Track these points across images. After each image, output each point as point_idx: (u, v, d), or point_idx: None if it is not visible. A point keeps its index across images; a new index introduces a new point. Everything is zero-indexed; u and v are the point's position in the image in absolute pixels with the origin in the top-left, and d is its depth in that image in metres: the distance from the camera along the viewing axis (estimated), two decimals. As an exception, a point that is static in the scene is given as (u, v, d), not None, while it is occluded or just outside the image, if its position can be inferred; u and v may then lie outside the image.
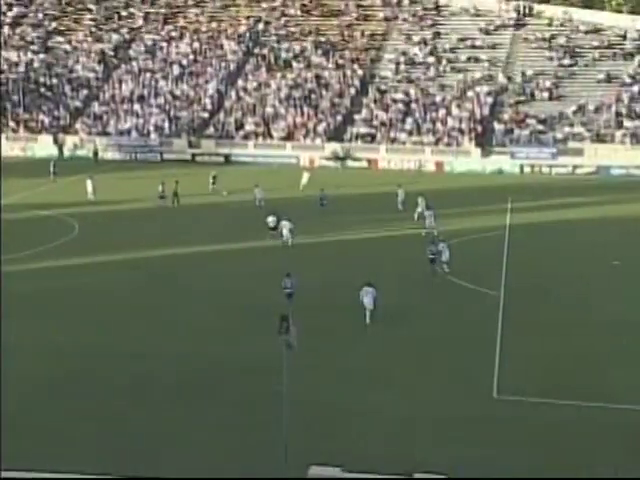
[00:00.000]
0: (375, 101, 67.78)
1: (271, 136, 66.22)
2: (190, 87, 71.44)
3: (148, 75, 72.79)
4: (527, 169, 60.28)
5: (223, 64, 73.18)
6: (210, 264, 35.43)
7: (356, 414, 21.85)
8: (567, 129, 62.41)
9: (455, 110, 65.29)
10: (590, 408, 22.09)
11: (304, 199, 47.47)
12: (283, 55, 73.50)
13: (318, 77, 70.43)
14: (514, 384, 23.55)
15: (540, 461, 19.59)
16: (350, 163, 62.88)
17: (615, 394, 22.87)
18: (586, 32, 70.79)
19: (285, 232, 37.93)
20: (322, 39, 74.62)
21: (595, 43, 69.47)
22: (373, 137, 64.89)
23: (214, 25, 78.19)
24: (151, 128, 67.95)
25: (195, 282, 32.88)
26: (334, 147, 63.79)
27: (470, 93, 66.74)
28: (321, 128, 65.86)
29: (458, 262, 35.02)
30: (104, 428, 20.72)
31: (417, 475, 16.99)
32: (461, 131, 63.57)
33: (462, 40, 72.23)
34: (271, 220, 39.10)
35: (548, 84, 66.50)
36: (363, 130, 65.26)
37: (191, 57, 74.41)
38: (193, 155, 65.36)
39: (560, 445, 20.35)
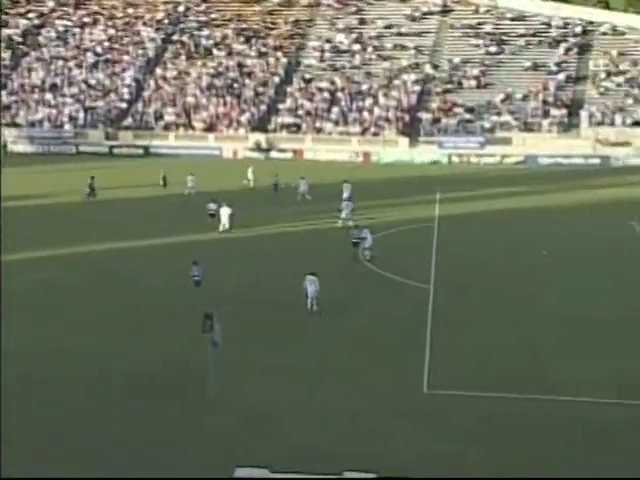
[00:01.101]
0: (300, 90, 67.58)
1: (192, 127, 65.39)
2: (106, 76, 69.99)
3: (60, 63, 71.02)
4: (455, 159, 60.97)
5: (140, 52, 71.91)
6: (145, 258, 34.98)
7: (286, 411, 21.67)
8: (495, 118, 63.35)
9: (382, 99, 65.57)
10: (522, 400, 22.33)
11: (238, 190, 47.14)
12: (204, 42, 72.65)
13: (241, 65, 69.84)
14: (445, 378, 23.65)
15: (472, 455, 19.69)
16: (275, 154, 62.53)
17: (548, 385, 23.17)
18: (512, 19, 71.95)
19: (224, 219, 38.40)
20: (244, 26, 74.03)
21: (521, 31, 70.67)
22: (298, 127, 64.70)
23: (130, 10, 76.75)
24: (65, 119, 66.34)
25: (127, 276, 32.42)
26: (258, 138, 63.34)
27: (397, 82, 67.12)
28: (244, 118, 65.33)
29: (387, 255, 35.17)
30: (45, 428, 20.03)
31: (347, 474, 16.86)
32: (388, 120, 63.88)
33: (388, 27, 72.59)
34: (212, 207, 39.77)
35: (475, 72, 67.38)
36: (288, 120, 64.99)
37: (106, 44, 72.90)
38: (110, 147, 64.10)
39: (492, 438, 20.51)
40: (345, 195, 43.23)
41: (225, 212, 38.60)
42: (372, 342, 26.41)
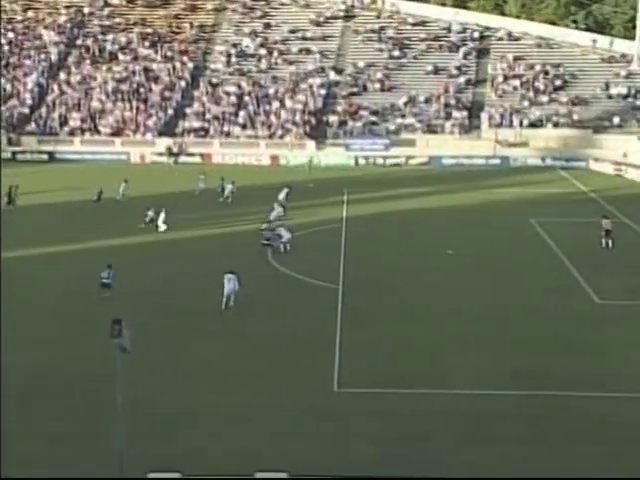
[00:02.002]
0: (207, 94, 67.15)
1: (98, 132, 64.18)
2: (7, 80, 67.97)
3: (-42, 68, 68.65)
4: (362, 161, 61.62)
5: (43, 56, 70.13)
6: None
7: (195, 414, 21.52)
8: (399, 120, 64.34)
9: (289, 103, 65.78)
10: (429, 395, 22.77)
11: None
12: (108, 47, 71.39)
13: (146, 70, 68.93)
14: (354, 376, 23.93)
15: (383, 452, 19.97)
16: (183, 158, 61.95)
17: (452, 381, 23.70)
18: (413, 24, 73.22)
19: (160, 222, 40.03)
20: (149, 30, 73.11)
21: (422, 35, 71.99)
22: (206, 131, 64.28)
23: (30, 14, 74.78)
24: (-36, 125, 64.11)
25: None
26: (167, 142, 62.63)
27: (303, 85, 67.45)
28: (151, 122, 64.51)
29: (297, 256, 35.32)
30: None
31: (258, 475, 16.86)
32: (295, 124, 64.11)
33: (293, 32, 72.87)
34: (150, 213, 40.92)
35: (379, 75, 68.28)
36: (195, 124, 64.49)
37: (6, 48, 70.81)
38: (13, 153, 62.24)
39: (401, 434, 20.84)
40: (281, 197, 44.23)
41: (161, 217, 40.37)
42: (282, 343, 26.48)
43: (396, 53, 70.36)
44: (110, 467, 18.24)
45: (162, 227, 40.21)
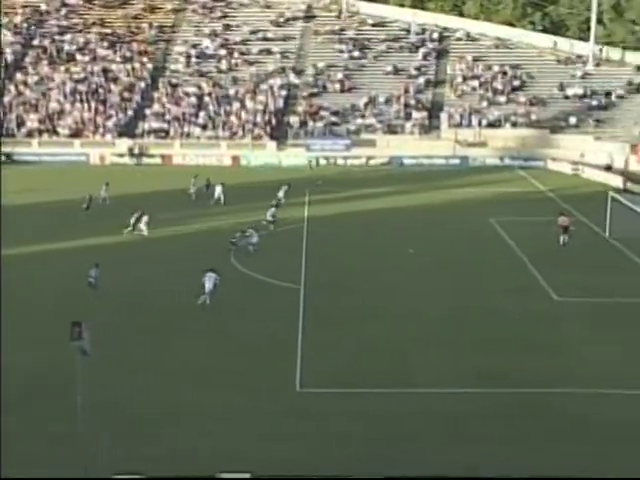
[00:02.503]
0: (167, 95, 66.70)
1: (57, 133, 63.39)
2: (-38, 81, 66.86)
3: None
4: (323, 161, 61.66)
5: (-1, 56, 69.06)
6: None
7: (160, 415, 21.39)
8: (360, 121, 64.50)
9: (249, 103, 65.59)
10: (393, 395, 22.85)
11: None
12: (66, 47, 70.55)
13: (105, 70, 68.25)
14: (317, 376, 23.93)
15: (341, 451, 19.99)
16: (143, 159, 61.44)
17: (416, 380, 23.81)
18: (373, 25, 73.46)
19: (142, 225, 39.52)
20: (107, 31, 72.40)
21: (382, 36, 72.25)
22: (166, 132, 63.85)
23: (-14, 14, 73.60)
24: None
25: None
26: (128, 143, 62.08)
27: (264, 86, 67.31)
28: (111, 123, 63.90)
29: (259, 257, 35.24)
30: None
31: (222, 475, 16.83)
32: (256, 124, 63.95)
33: (253, 32, 72.69)
34: (136, 215, 40.38)
35: (340, 76, 68.38)
36: (155, 125, 64.02)
37: (-39, 48, 69.66)
38: (-30, 155, 61.20)
39: (365, 434, 20.89)
40: (280, 195, 45.44)
41: (143, 220, 39.92)
42: (244, 343, 26.41)
43: (356, 54, 70.54)
44: (76, 469, 18.04)
45: (144, 231, 39.40)
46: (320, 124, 64.10)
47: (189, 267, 33.33)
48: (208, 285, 29.18)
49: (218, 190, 46.96)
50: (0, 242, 36.13)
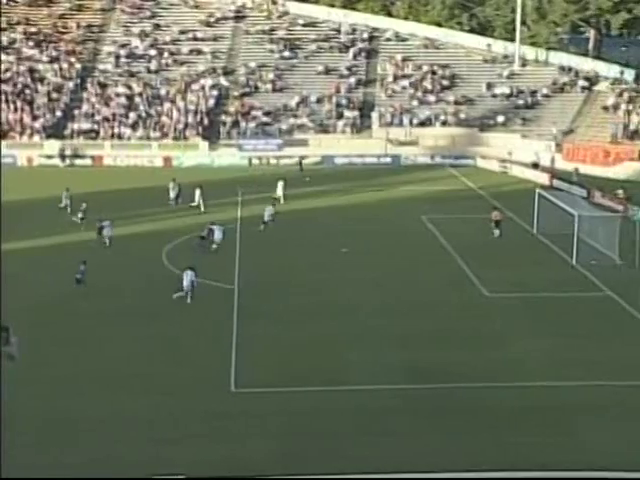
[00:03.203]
0: (96, 95, 65.64)
1: (-18, 135, 61.78)
2: None
3: None
4: (255, 161, 61.50)
5: None
6: None
7: (88, 421, 21.04)
8: (292, 120, 64.52)
9: (180, 103, 65.01)
10: (326, 392, 22.91)
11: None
12: (-10, 47, 68.83)
13: (32, 70, 66.81)
14: (252, 376, 23.86)
15: (277, 450, 19.97)
16: (73, 161, 60.35)
17: (349, 377, 23.93)
18: (304, 25, 73.54)
19: (105, 232, 38.53)
20: (33, 30, 70.87)
21: (312, 36, 72.39)
22: (96, 133, 62.84)
23: None
24: None
25: None
26: (57, 144, 60.87)
27: (195, 86, 66.79)
28: (38, 124, 62.57)
29: (191, 257, 34.98)
30: None
31: (155, 477, 16.60)
32: (188, 125, 63.42)
33: (183, 32, 72.05)
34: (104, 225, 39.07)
35: (271, 76, 68.30)
36: (85, 126, 62.95)
37: None
38: None
39: (304, 432, 20.90)
40: (279, 192, 45.66)
41: (107, 226, 38.70)
42: (178, 345, 26.16)
43: (287, 54, 70.53)
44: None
45: (106, 240, 38.17)
46: (252, 124, 63.92)
47: (122, 269, 32.90)
48: (186, 282, 29.66)
49: (197, 193, 44.96)
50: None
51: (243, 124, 63.86)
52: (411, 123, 63.78)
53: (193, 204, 45.08)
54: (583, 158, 57.54)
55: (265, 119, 64.62)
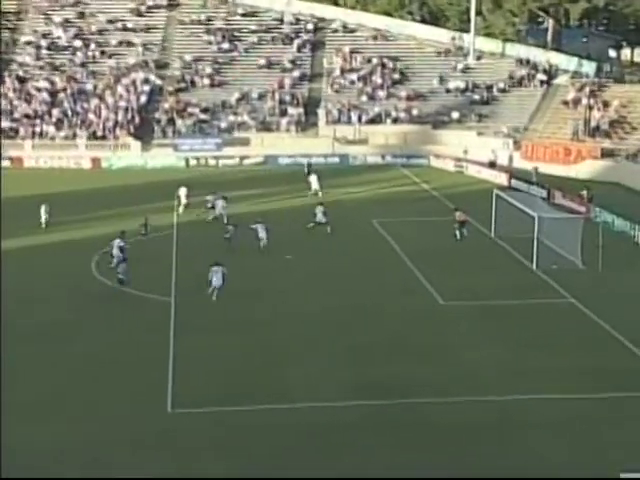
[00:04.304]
0: (15, 91, 64.85)
1: None
2: None
3: None
4: (193, 162, 61.40)
5: None
6: None
7: (17, 450, 20.83)
8: (232, 118, 64.61)
9: (109, 99, 64.58)
10: (269, 411, 23.03)
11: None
12: None
13: (-59, 63, 65.82)
14: (190, 395, 23.87)
15: (229, 470, 20.07)
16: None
17: (292, 393, 24.09)
18: (243, 15, 73.73)
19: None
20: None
21: (253, 27, 72.61)
22: (16, 132, 62.08)
23: None
24: None
25: None
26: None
27: (125, 80, 66.44)
28: (-50, 123, 61.64)
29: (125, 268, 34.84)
30: None
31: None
32: (118, 123, 63.03)
33: (112, 22, 71.65)
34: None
35: (209, 70, 68.30)
36: (2, 124, 62.14)
37: None
38: None
39: (245, 453, 21.01)
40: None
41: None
42: (110, 365, 25.98)
43: (225, 45, 70.63)
44: None
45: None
46: (189, 122, 63.84)
47: (47, 279, 32.60)
48: (215, 280, 31.11)
49: (220, 205, 43.82)
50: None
51: (179, 122, 63.74)
52: (360, 120, 64.38)
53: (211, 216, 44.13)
54: (543, 156, 58.73)
55: (203, 116, 64.61)
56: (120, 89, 65.67)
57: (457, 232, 40.10)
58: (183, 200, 46.26)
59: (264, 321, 29.71)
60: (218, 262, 31.77)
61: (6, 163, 59.66)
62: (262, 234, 37.99)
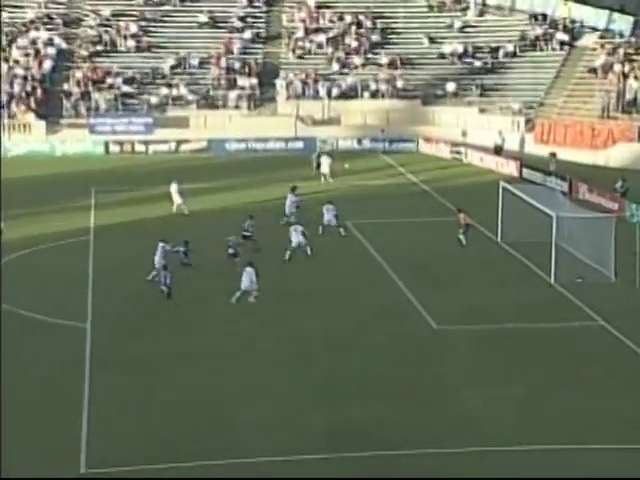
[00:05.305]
0: None
1: None
2: None
3: None
4: (115, 148, 61.28)
5: None
6: None
7: None
8: (165, 91, 64.59)
9: (3, 66, 64.24)
10: (217, 467, 23.01)
11: None
12: None
13: None
14: (110, 450, 23.75)
15: None
16: None
17: (251, 445, 24.06)
18: (178, -43, 73.82)
19: None
20: None
21: (192, -27, 72.78)
22: None
23: None
24: None
25: None
26: None
27: (22, 41, 66.15)
28: None
29: (22, 286, 34.70)
30: None
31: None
32: (14, 97, 62.69)
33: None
34: None
35: (134, 29, 68.25)
36: None
37: None
38: None
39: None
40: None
41: None
42: (6, 412, 25.81)
43: (154, -2, 70.64)
44: None
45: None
46: (108, 96, 63.69)
47: None
48: (245, 281, 33.94)
49: (331, 211, 42.46)
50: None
51: (95, 96, 63.61)
52: (330, 94, 64.61)
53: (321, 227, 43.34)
54: (563, 139, 59.22)
55: (127, 89, 64.55)
56: (15, 52, 65.32)
57: (462, 237, 40.21)
58: (177, 199, 46.04)
59: (206, 355, 29.68)
60: (251, 262, 34.45)
61: None
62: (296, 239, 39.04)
